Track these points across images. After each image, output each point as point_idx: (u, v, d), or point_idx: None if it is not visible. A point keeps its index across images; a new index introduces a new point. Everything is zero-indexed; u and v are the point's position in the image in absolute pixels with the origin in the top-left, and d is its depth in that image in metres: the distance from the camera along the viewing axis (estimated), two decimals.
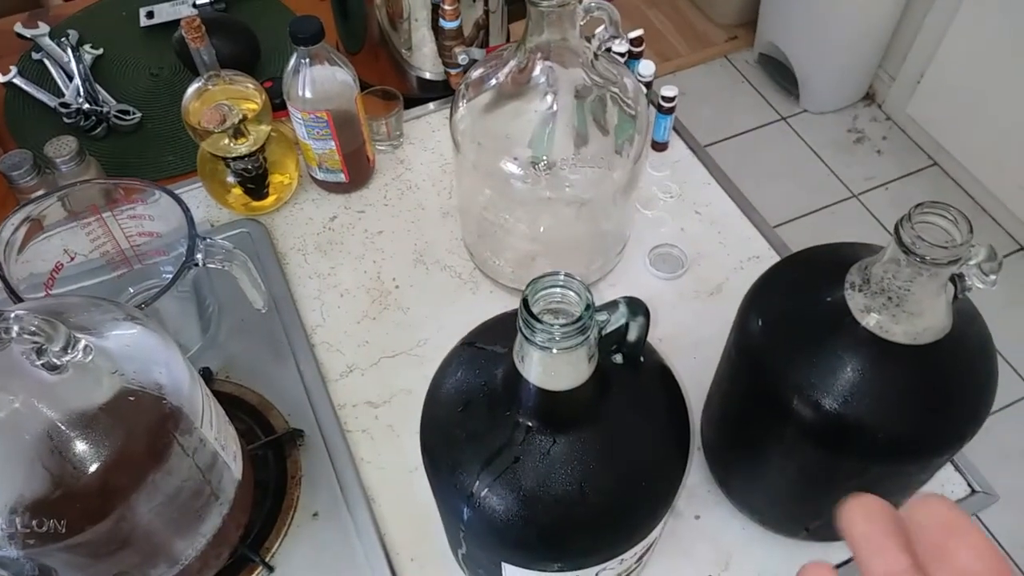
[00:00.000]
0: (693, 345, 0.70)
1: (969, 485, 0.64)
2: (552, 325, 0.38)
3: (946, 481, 0.64)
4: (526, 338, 0.39)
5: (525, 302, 0.39)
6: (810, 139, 2.03)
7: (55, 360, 0.42)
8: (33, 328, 0.41)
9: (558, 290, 0.40)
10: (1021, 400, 1.58)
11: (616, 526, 0.45)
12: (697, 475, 0.65)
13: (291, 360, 0.72)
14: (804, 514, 0.59)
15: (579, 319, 0.38)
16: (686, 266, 0.77)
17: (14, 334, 0.41)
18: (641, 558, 0.52)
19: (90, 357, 0.43)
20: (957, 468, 0.65)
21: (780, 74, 2.09)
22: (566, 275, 0.39)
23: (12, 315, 0.41)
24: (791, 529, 0.61)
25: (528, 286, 0.39)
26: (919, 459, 0.48)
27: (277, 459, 0.66)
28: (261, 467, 0.65)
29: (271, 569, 0.61)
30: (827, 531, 0.60)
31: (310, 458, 0.67)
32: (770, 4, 2.02)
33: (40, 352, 0.42)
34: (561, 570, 0.46)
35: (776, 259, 0.78)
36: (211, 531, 0.55)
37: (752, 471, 0.58)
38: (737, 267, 0.77)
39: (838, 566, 0.60)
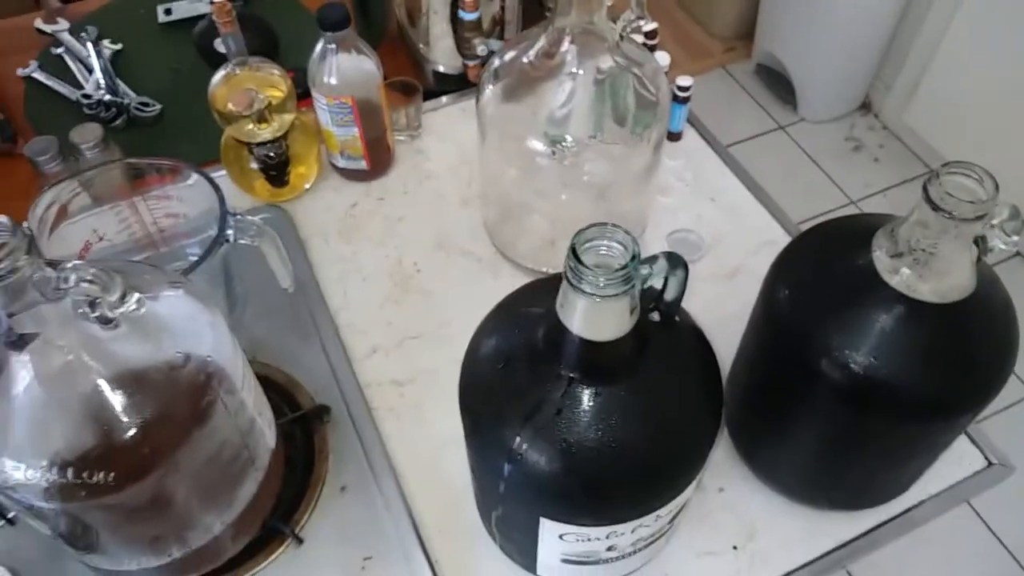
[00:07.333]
0: (713, 324, 0.70)
1: (986, 458, 0.65)
2: (598, 272, 0.39)
3: (964, 454, 0.65)
4: (572, 286, 0.40)
5: (573, 249, 0.40)
6: (808, 148, 2.06)
7: (108, 313, 0.43)
8: (90, 277, 0.42)
9: (604, 241, 0.41)
10: None
11: (655, 478, 0.46)
12: (720, 450, 0.66)
13: (316, 341, 0.73)
14: (827, 483, 0.60)
15: (624, 267, 0.40)
16: (703, 250, 0.79)
17: (71, 283, 0.41)
18: (674, 519, 0.53)
19: (143, 309, 0.44)
20: (973, 441, 0.66)
21: (778, 84, 2.12)
22: (613, 225, 0.41)
23: (69, 265, 0.42)
24: (814, 499, 0.62)
25: (576, 235, 0.41)
26: (945, 416, 0.50)
27: (304, 435, 0.67)
28: (289, 442, 0.66)
29: (300, 541, 0.62)
30: (849, 500, 0.62)
31: (337, 434, 0.68)
32: (768, 15, 2.06)
33: (93, 305, 0.43)
34: (600, 524, 0.47)
35: None
36: (247, 497, 0.55)
37: (777, 440, 0.60)
38: (754, 251, 0.79)
39: (857, 537, 0.62)
